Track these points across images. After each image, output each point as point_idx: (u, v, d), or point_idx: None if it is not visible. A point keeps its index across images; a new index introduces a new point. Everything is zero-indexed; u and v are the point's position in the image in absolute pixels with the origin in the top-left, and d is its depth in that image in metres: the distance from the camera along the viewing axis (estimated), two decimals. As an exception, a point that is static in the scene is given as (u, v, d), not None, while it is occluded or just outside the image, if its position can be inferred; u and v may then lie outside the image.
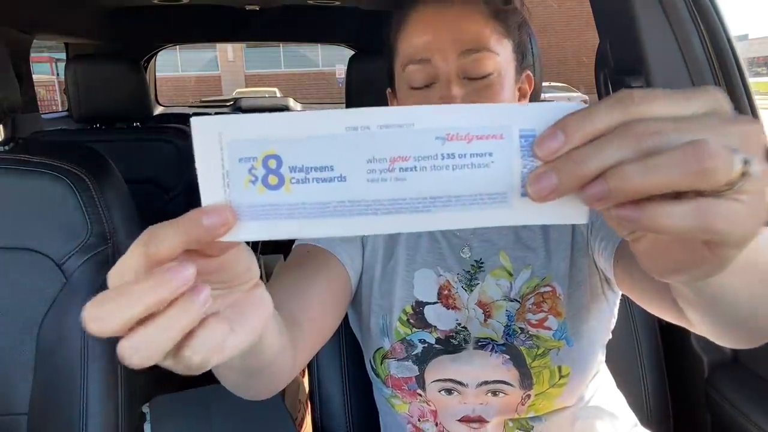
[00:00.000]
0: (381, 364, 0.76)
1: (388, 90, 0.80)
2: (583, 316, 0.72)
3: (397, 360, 0.75)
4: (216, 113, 2.84)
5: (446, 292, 0.75)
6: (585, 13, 1.24)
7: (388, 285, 0.77)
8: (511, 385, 0.72)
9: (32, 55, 2.39)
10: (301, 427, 1.46)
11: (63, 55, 2.78)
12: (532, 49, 0.78)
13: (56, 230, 0.89)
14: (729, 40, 1.03)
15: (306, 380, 1.42)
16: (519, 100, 0.74)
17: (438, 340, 0.74)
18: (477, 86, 0.68)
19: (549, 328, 0.71)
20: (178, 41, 3.56)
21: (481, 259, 0.76)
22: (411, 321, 0.75)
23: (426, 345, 0.74)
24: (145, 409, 0.98)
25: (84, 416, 0.86)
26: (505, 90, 0.69)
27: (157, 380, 1.11)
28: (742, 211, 0.27)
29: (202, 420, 0.96)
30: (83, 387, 0.87)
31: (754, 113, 1.04)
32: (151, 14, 2.50)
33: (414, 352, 0.74)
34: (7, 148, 0.97)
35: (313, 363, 0.92)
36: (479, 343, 0.73)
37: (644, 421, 0.96)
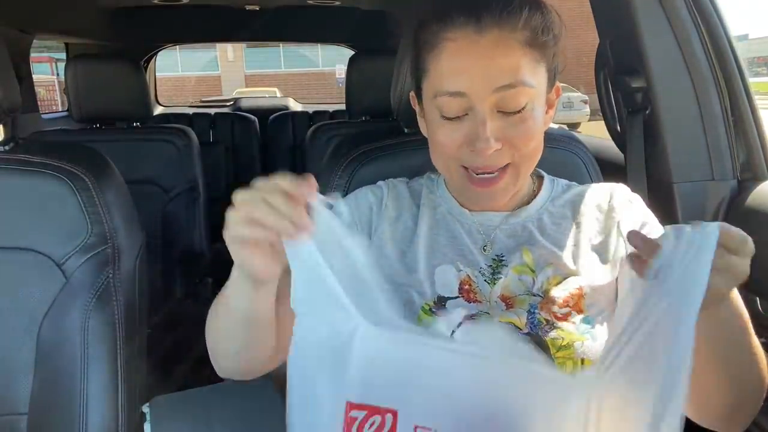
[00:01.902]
0: None
1: (412, 93, 0.81)
2: (603, 318, 0.73)
3: None
4: (216, 113, 2.84)
5: (467, 286, 0.75)
6: (585, 13, 1.24)
7: (408, 279, 0.76)
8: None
9: (32, 55, 2.39)
10: (301, 427, 1.45)
11: (63, 55, 2.78)
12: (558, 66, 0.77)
13: (56, 230, 0.89)
14: (729, 40, 1.03)
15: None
16: (547, 111, 0.76)
17: (462, 322, 0.74)
18: (511, 120, 0.69)
19: (573, 323, 0.72)
20: (178, 41, 3.57)
21: (502, 255, 0.77)
22: (434, 311, 0.75)
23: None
24: (145, 409, 0.98)
25: (84, 416, 0.86)
26: (537, 117, 0.71)
27: (157, 380, 1.11)
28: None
29: (202, 420, 0.96)
30: (83, 387, 0.87)
31: (754, 113, 1.04)
32: (151, 14, 2.50)
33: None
34: (7, 148, 0.97)
35: (313, 363, 0.92)
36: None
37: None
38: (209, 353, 0.71)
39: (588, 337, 0.71)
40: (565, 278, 0.74)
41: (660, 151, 1.07)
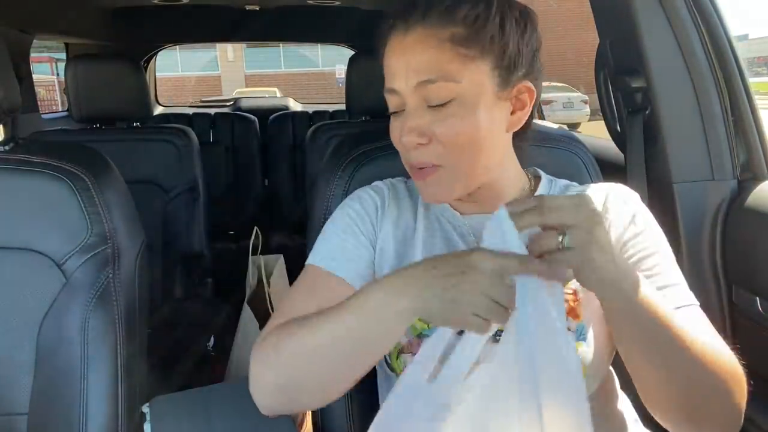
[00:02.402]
0: (397, 359, 0.76)
1: None
2: (598, 320, 0.72)
3: (414, 355, 0.73)
4: (216, 113, 2.84)
5: None
6: (585, 13, 1.24)
7: None
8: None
9: (32, 55, 2.39)
10: (301, 427, 1.45)
11: (63, 55, 2.78)
12: (538, 56, 0.74)
13: (56, 230, 0.89)
14: (729, 40, 1.03)
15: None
16: (513, 113, 0.73)
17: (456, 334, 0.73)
18: (438, 115, 0.69)
19: (569, 329, 0.71)
20: (178, 41, 3.57)
21: None
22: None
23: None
24: (145, 409, 0.98)
25: (84, 416, 0.86)
26: (472, 119, 0.69)
27: (157, 380, 1.11)
28: (572, 258, 0.56)
29: (202, 420, 0.96)
30: (83, 387, 0.87)
31: (754, 113, 1.04)
32: (151, 14, 2.50)
33: None
34: (7, 148, 0.97)
35: (313, 363, 0.92)
36: (496, 338, 0.72)
37: (646, 420, 0.96)
38: (263, 383, 0.69)
39: (583, 342, 0.70)
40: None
41: (660, 151, 1.07)
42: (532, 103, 0.74)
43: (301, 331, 0.65)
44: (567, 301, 0.71)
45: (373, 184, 0.86)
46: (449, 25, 0.68)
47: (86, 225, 0.90)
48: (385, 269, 0.78)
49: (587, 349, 0.70)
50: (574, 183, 0.83)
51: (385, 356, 0.77)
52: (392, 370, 0.77)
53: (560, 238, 0.55)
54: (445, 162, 0.71)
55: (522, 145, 0.81)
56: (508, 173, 0.78)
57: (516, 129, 0.75)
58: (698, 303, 0.71)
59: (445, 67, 0.68)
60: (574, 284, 0.72)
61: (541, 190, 0.80)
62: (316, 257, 0.78)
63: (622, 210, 0.76)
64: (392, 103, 0.73)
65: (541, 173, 0.83)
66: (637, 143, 1.11)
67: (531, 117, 0.76)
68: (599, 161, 1.01)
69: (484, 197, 0.77)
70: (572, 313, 0.72)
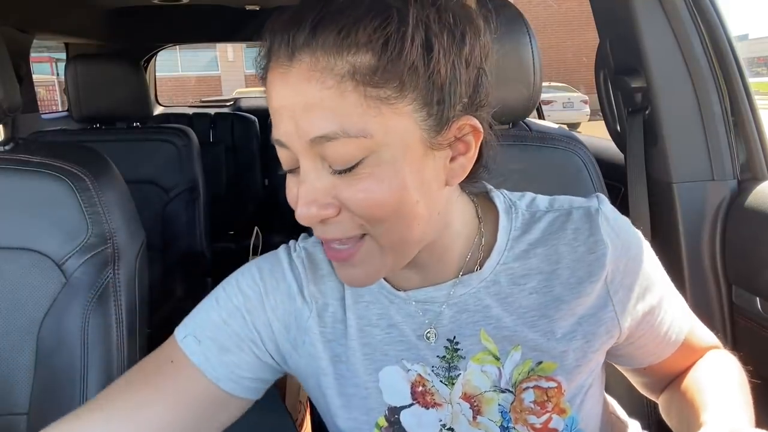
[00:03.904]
0: None
1: None
2: (589, 395, 0.62)
3: None
4: (216, 113, 2.85)
5: (420, 388, 0.60)
6: (585, 13, 1.23)
7: (349, 397, 0.62)
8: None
9: (32, 55, 2.39)
10: (301, 427, 1.46)
11: (63, 55, 2.78)
12: (484, 75, 0.54)
13: (56, 230, 0.89)
14: (729, 40, 1.03)
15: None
16: (453, 160, 0.53)
17: None
18: (348, 179, 0.49)
19: (555, 430, 0.60)
20: (178, 41, 3.56)
21: (456, 341, 0.60)
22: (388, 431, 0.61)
23: None
24: (145, 409, 0.98)
25: (84, 416, 0.86)
26: (393, 177, 0.49)
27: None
28: None
29: (202, 420, 0.96)
30: (83, 387, 0.86)
31: (754, 113, 1.04)
32: (151, 14, 2.50)
33: None
34: (7, 148, 0.97)
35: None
36: None
37: (645, 424, 0.96)
38: None
39: None
40: (538, 363, 0.59)
41: (660, 151, 1.07)
42: (478, 143, 0.53)
43: None
44: (550, 398, 0.59)
45: (284, 255, 0.64)
46: (349, 53, 0.46)
47: (86, 225, 0.90)
48: (323, 378, 0.62)
49: None
50: (541, 203, 0.63)
51: None
52: None
53: None
54: (372, 231, 0.52)
55: (473, 188, 0.62)
56: (453, 228, 0.59)
57: (458, 181, 0.55)
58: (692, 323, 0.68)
59: (348, 117, 0.46)
60: (560, 373, 0.59)
61: (500, 233, 0.60)
62: (180, 331, 0.62)
63: (625, 272, 0.61)
64: (282, 158, 0.52)
65: (496, 201, 0.62)
66: (637, 143, 1.10)
67: (480, 160, 0.56)
68: (599, 161, 1.01)
69: (423, 262, 0.59)
70: (556, 409, 0.59)
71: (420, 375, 0.60)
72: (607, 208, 0.61)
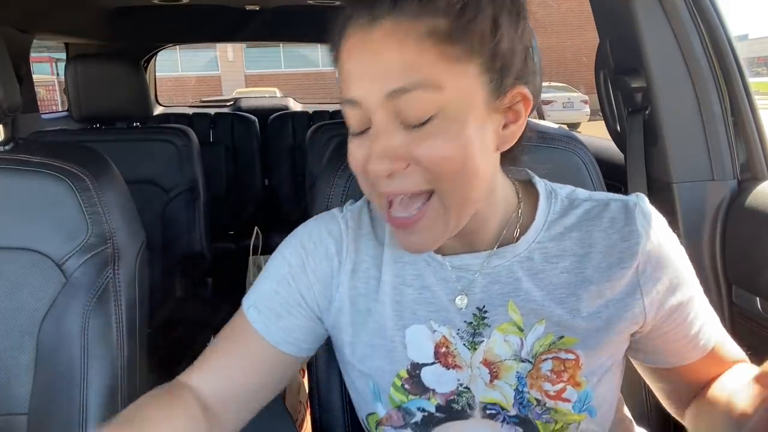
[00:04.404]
0: (376, 429, 0.68)
1: None
2: (606, 378, 0.64)
3: (395, 428, 0.66)
4: (216, 113, 2.85)
5: (444, 349, 0.64)
6: (585, 13, 1.23)
7: (374, 348, 0.66)
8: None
9: (32, 55, 2.39)
10: (301, 427, 1.45)
11: (63, 55, 2.78)
12: (531, 53, 0.60)
13: (56, 230, 0.89)
14: (729, 40, 1.03)
15: (306, 381, 1.42)
16: (505, 127, 0.58)
17: (439, 408, 0.64)
18: (417, 134, 0.53)
19: (568, 400, 0.62)
20: (178, 41, 3.56)
21: (484, 309, 0.63)
22: (406, 387, 0.65)
23: (426, 414, 0.64)
24: (145, 409, 0.98)
25: (84, 416, 0.86)
26: (460, 138, 0.54)
27: (157, 380, 1.11)
28: None
29: (202, 420, 0.96)
30: (83, 387, 0.86)
31: (754, 113, 1.04)
32: (151, 14, 2.50)
33: (413, 420, 0.65)
34: (7, 148, 0.97)
35: (313, 363, 0.92)
36: (487, 411, 0.63)
37: (644, 421, 0.96)
38: None
39: (586, 414, 0.62)
40: (560, 338, 0.62)
41: (660, 151, 1.07)
42: (527, 113, 0.59)
43: None
44: (566, 369, 0.62)
45: (330, 219, 0.70)
46: (428, 17, 0.52)
47: (86, 225, 0.90)
48: (347, 331, 0.67)
49: (591, 420, 0.63)
50: (579, 194, 0.67)
51: (364, 422, 0.71)
52: None
53: None
54: (439, 186, 0.55)
55: (517, 174, 0.68)
56: (496, 198, 0.63)
57: (507, 147, 0.60)
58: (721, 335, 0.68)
59: (424, 70, 0.52)
60: (579, 348, 0.62)
61: (538, 214, 0.65)
62: (246, 301, 0.69)
63: (658, 267, 0.63)
64: (352, 119, 0.56)
65: (540, 188, 0.67)
66: (637, 143, 1.11)
67: (523, 133, 0.61)
68: (599, 161, 1.01)
69: (465, 230, 0.61)
70: (572, 381, 0.62)
71: (445, 337, 0.64)
72: (646, 205, 0.64)
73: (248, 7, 2.39)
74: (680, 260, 0.65)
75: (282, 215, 2.83)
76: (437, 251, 0.65)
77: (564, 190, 0.67)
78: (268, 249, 2.31)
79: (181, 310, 1.83)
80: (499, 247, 0.64)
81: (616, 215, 0.63)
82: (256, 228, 1.89)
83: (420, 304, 0.65)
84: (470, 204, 0.58)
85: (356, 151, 0.57)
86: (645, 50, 1.05)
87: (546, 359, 0.62)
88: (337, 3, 2.28)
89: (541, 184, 0.67)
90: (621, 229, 0.62)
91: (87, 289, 0.88)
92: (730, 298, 1.03)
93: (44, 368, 0.87)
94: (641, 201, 0.64)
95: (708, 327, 0.66)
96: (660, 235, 0.63)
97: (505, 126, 0.58)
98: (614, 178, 1.18)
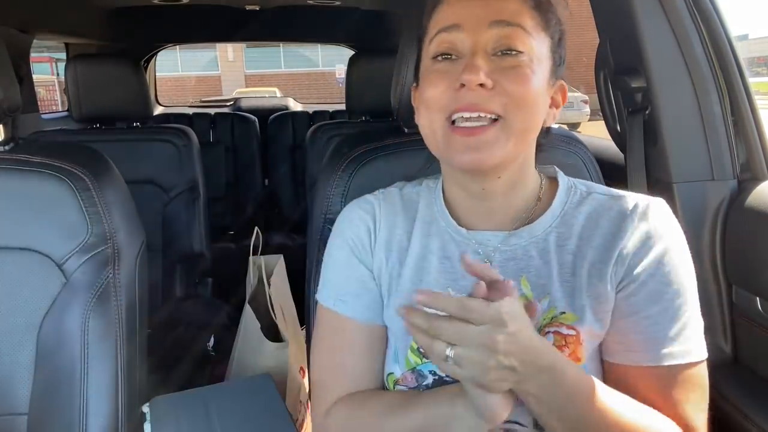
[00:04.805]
0: (393, 389, 0.74)
1: (413, 85, 0.78)
2: (599, 350, 0.69)
3: (408, 389, 0.72)
4: (216, 113, 2.84)
5: None
6: (585, 13, 1.23)
7: (397, 311, 0.70)
8: (525, 426, 0.67)
9: (32, 55, 2.39)
10: (301, 427, 1.46)
11: (63, 55, 2.78)
12: (563, 58, 0.72)
13: (56, 230, 0.89)
14: (729, 40, 1.03)
15: (306, 381, 1.42)
16: (550, 108, 0.70)
17: None
18: (505, 64, 0.64)
19: None
20: (178, 41, 3.56)
21: None
22: (421, 350, 0.70)
23: (437, 377, 0.70)
24: (145, 409, 0.98)
25: (84, 416, 0.86)
26: (536, 80, 0.64)
27: (157, 380, 1.11)
28: (456, 370, 0.55)
29: (202, 420, 0.96)
30: (83, 387, 0.87)
31: (754, 113, 1.04)
32: (151, 14, 2.50)
33: (424, 383, 0.71)
34: (7, 148, 0.97)
35: (313, 363, 0.92)
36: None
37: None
38: None
39: None
40: (561, 313, 0.67)
41: (660, 151, 1.07)
42: (563, 102, 0.72)
43: (374, 420, 0.68)
44: (567, 344, 0.66)
45: (363, 200, 0.80)
46: None
47: (86, 225, 0.90)
48: (384, 294, 0.75)
49: None
50: (597, 188, 0.74)
51: (384, 381, 0.76)
52: None
53: (448, 350, 0.55)
54: (508, 115, 0.63)
55: (544, 170, 0.77)
56: (530, 170, 0.73)
57: (548, 125, 0.72)
58: (703, 356, 0.67)
59: (521, 19, 0.64)
60: (579, 324, 0.66)
61: (557, 201, 0.72)
62: (325, 296, 0.76)
63: (638, 226, 0.68)
64: (446, 45, 0.67)
65: (560, 177, 0.76)
66: (637, 143, 1.11)
67: (549, 129, 0.74)
68: (599, 161, 1.01)
69: (491, 207, 0.71)
70: (573, 356, 0.66)
71: None
72: (660, 205, 0.70)
73: (248, 7, 2.40)
74: (678, 266, 0.67)
75: (282, 215, 2.83)
76: (467, 228, 0.72)
77: (584, 185, 0.75)
78: (268, 249, 2.30)
79: (181, 310, 1.83)
80: (517, 228, 0.71)
81: (626, 208, 0.69)
82: (256, 228, 1.89)
83: (441, 272, 0.72)
84: (526, 138, 0.67)
85: (441, 79, 0.66)
86: (645, 50, 1.05)
87: (548, 332, 0.67)
88: (337, 3, 2.28)
89: (563, 179, 0.75)
90: (626, 218, 0.68)
91: (87, 288, 0.88)
92: (730, 298, 1.03)
93: (44, 368, 0.87)
94: (657, 201, 0.70)
95: (677, 343, 0.65)
96: (664, 234, 0.67)
97: (551, 106, 0.70)
98: (614, 178, 1.18)
